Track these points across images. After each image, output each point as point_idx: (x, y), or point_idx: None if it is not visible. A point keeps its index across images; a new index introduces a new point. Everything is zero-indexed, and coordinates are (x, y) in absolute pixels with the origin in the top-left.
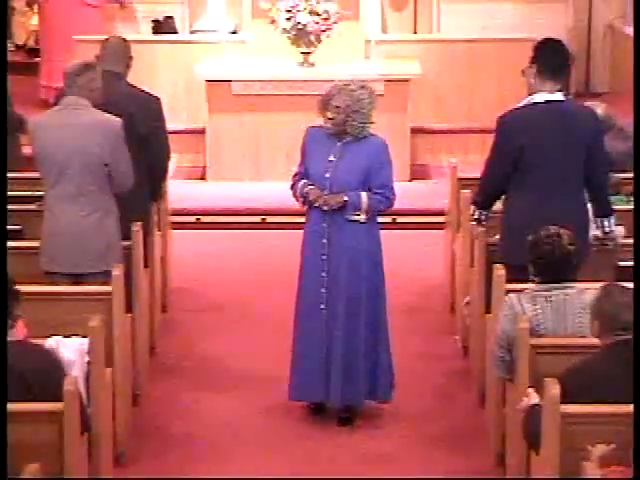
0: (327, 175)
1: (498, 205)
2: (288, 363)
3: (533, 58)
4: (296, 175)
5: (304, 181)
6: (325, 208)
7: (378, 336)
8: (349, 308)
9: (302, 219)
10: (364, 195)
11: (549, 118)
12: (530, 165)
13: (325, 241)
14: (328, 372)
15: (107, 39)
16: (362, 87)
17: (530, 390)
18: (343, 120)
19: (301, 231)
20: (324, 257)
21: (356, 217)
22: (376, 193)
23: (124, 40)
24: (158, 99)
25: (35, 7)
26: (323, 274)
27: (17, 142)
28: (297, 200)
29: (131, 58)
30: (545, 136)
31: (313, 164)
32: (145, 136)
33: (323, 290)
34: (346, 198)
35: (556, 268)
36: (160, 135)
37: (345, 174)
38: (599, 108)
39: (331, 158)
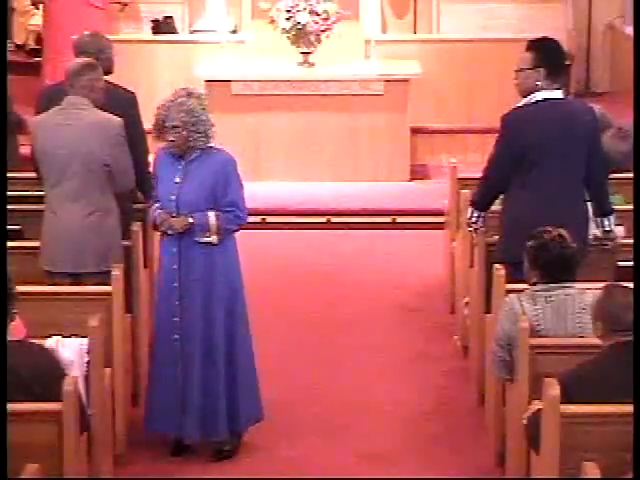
0: (172, 197)
1: (497, 205)
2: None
3: (535, 57)
4: (156, 201)
5: (156, 205)
6: (170, 232)
7: (238, 367)
8: (206, 339)
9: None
10: (212, 215)
11: (553, 116)
12: (533, 163)
13: (176, 267)
14: (184, 407)
15: (78, 37)
16: (188, 95)
17: (536, 402)
18: (186, 137)
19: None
20: (175, 285)
21: (207, 239)
22: (226, 212)
23: (96, 36)
24: (132, 93)
25: (40, 7)
26: (176, 302)
27: (16, 143)
28: (154, 227)
29: (101, 51)
30: (550, 134)
31: (161, 187)
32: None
33: (176, 319)
34: (192, 220)
35: (560, 269)
36: (137, 129)
37: (190, 195)
38: (594, 108)
39: (177, 180)
